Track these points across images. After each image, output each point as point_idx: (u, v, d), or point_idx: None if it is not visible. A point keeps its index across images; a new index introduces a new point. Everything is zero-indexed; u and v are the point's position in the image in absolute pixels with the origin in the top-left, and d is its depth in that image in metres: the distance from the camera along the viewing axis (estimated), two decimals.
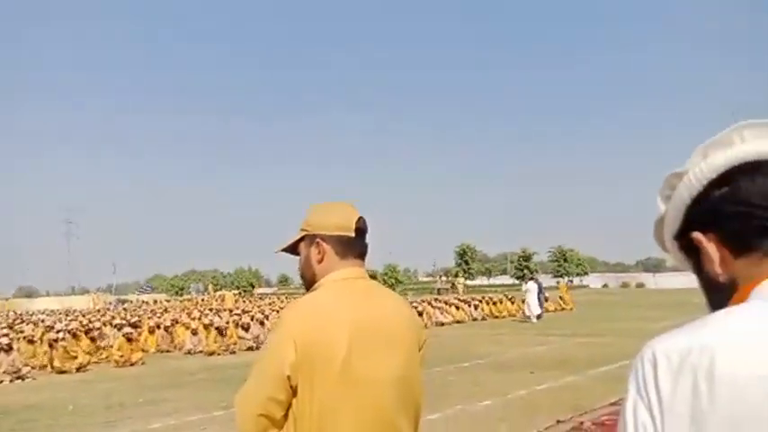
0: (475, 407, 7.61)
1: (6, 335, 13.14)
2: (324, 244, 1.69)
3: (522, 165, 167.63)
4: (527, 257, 68.89)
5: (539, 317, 22.35)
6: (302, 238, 1.75)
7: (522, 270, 66.87)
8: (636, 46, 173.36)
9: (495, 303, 26.04)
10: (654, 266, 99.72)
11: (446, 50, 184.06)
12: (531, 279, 25.25)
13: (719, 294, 0.81)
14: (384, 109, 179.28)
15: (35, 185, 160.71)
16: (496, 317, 24.47)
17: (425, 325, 20.87)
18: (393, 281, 66.94)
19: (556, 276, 71.77)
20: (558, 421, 6.61)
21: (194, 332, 15.97)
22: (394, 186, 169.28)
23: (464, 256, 69.23)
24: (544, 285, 28.34)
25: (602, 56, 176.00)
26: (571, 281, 71.75)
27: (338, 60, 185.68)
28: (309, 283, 1.73)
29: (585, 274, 73.76)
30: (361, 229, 1.71)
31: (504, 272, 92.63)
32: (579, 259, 73.36)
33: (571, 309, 28.84)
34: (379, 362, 1.56)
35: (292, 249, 1.79)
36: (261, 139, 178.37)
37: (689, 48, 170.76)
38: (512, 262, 74.51)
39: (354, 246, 1.70)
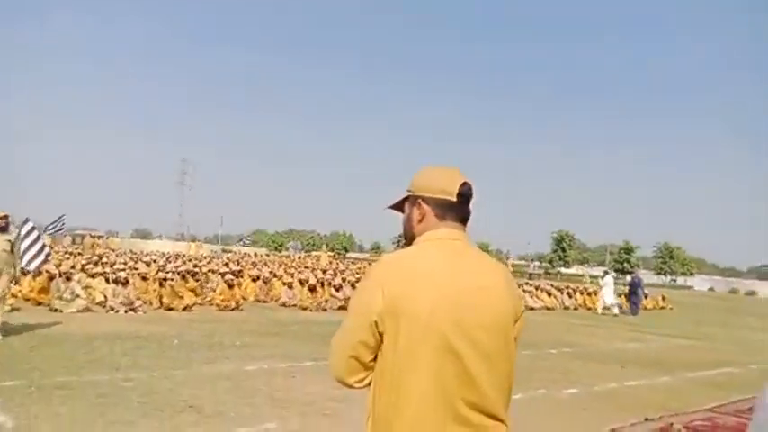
0: (559, 393, 7.50)
1: (124, 269, 14.37)
2: (424, 205, 1.72)
3: (631, 153, 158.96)
4: (629, 251, 65.86)
5: (614, 307, 22.11)
6: (407, 198, 1.81)
7: (621, 263, 64.16)
8: None
9: (590, 294, 25.24)
10: None
11: (558, 29, 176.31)
12: (607, 273, 24.51)
13: None
14: (491, 89, 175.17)
15: (155, 135, 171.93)
16: (589, 308, 23.73)
17: None
18: None
19: (659, 274, 68.34)
20: (647, 419, 6.40)
21: (290, 286, 16.77)
22: (495, 165, 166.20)
23: (561, 242, 67.26)
24: (645, 282, 27.18)
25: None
26: (674, 280, 68.07)
27: (461, 43, 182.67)
28: (409, 241, 1.79)
29: (691, 274, 69.58)
30: (463, 195, 1.72)
31: (601, 263, 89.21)
32: (686, 259, 69.24)
33: (671, 308, 27.44)
34: (464, 325, 1.55)
35: (399, 208, 1.86)
36: (371, 106, 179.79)
37: None
38: (611, 254, 71.49)
39: (454, 210, 1.71)
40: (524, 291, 22.88)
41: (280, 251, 64.65)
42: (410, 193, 1.79)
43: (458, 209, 1.72)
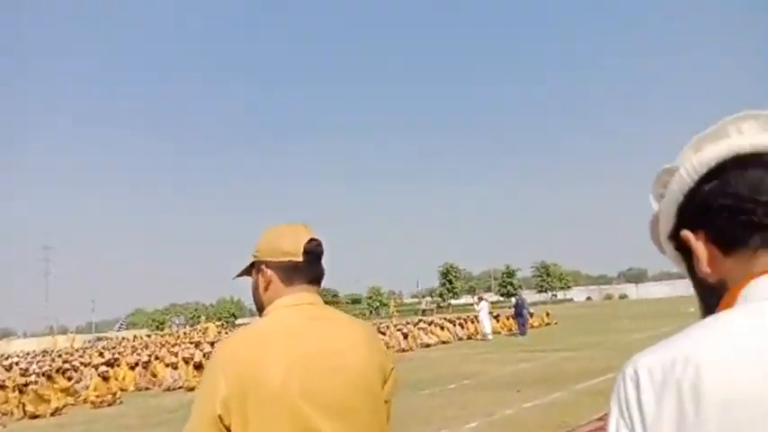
0: (461, 429, 7.44)
1: None
2: (268, 270, 1.60)
3: (502, 181, 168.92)
4: (510, 274, 69.11)
5: (488, 334, 22.98)
6: (252, 265, 1.67)
7: (506, 287, 67.09)
8: (601, 59, 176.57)
9: (480, 322, 25.85)
10: (636, 277, 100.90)
11: (426, 67, 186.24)
12: (481, 299, 25.41)
13: (711, 297, 0.76)
14: (360, 129, 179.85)
15: (11, 223, 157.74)
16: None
17: (410, 347, 20.67)
18: (378, 304, 66.67)
19: (540, 291, 72.10)
20: None
21: (174, 367, 15.63)
22: (374, 209, 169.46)
23: (448, 275, 69.19)
24: (528, 301, 28.43)
25: (572, 72, 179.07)
26: (555, 295, 72.14)
27: (315, 84, 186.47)
28: (260, 311, 1.64)
29: (569, 287, 74.15)
30: (311, 253, 1.60)
31: (488, 289, 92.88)
32: (562, 273, 73.79)
33: (556, 323, 28.83)
34: (321, 394, 1.43)
35: (250, 274, 1.72)
36: (236, 169, 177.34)
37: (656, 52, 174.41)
38: (495, 279, 74.61)
39: (302, 271, 1.59)
40: (419, 329, 23.08)
41: (162, 329, 60.76)
42: (254, 258, 1.65)
43: (306, 270, 1.60)
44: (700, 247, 0.76)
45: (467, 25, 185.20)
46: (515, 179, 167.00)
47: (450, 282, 68.88)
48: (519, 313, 24.32)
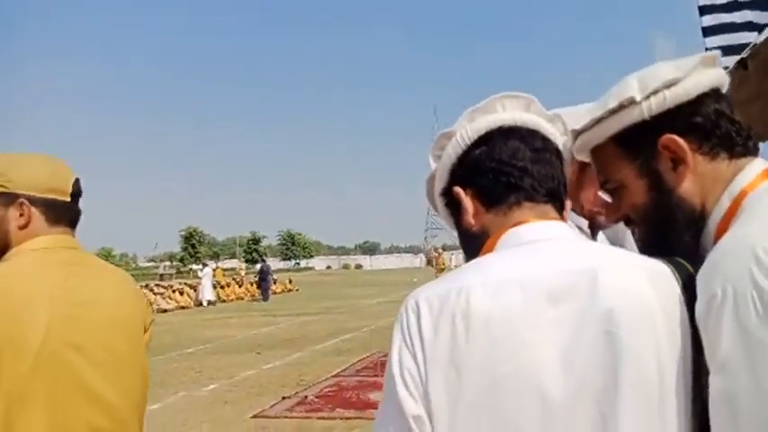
0: (199, 392, 7.31)
1: None
2: (31, 207, 1.37)
3: (253, 147, 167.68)
4: (256, 241, 69.45)
5: (210, 303, 22.59)
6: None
7: (251, 253, 67.20)
8: None
9: (222, 287, 25.56)
10: (370, 249, 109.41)
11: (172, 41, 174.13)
12: (206, 265, 25.35)
13: (473, 244, 0.93)
14: (105, 95, 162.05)
15: None
16: (224, 301, 24.06)
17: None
18: None
19: (284, 259, 73.89)
20: (284, 397, 6.70)
21: None
22: (109, 167, 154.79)
23: (191, 239, 66.77)
24: (273, 268, 28.91)
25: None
26: (298, 263, 74.62)
27: None
28: (1, 251, 1.40)
29: (312, 256, 77.40)
30: (77, 195, 1.46)
31: (233, 255, 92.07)
32: (306, 243, 76.63)
33: (298, 290, 29.86)
34: (87, 343, 1.34)
35: None
36: None
37: None
38: (240, 245, 74.23)
39: (68, 212, 1.44)
40: (155, 293, 21.89)
41: None
42: (4, 189, 1.37)
43: (71, 211, 1.45)
44: (468, 201, 0.92)
45: None
46: (266, 149, 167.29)
47: (194, 246, 66.62)
48: (263, 279, 24.65)
